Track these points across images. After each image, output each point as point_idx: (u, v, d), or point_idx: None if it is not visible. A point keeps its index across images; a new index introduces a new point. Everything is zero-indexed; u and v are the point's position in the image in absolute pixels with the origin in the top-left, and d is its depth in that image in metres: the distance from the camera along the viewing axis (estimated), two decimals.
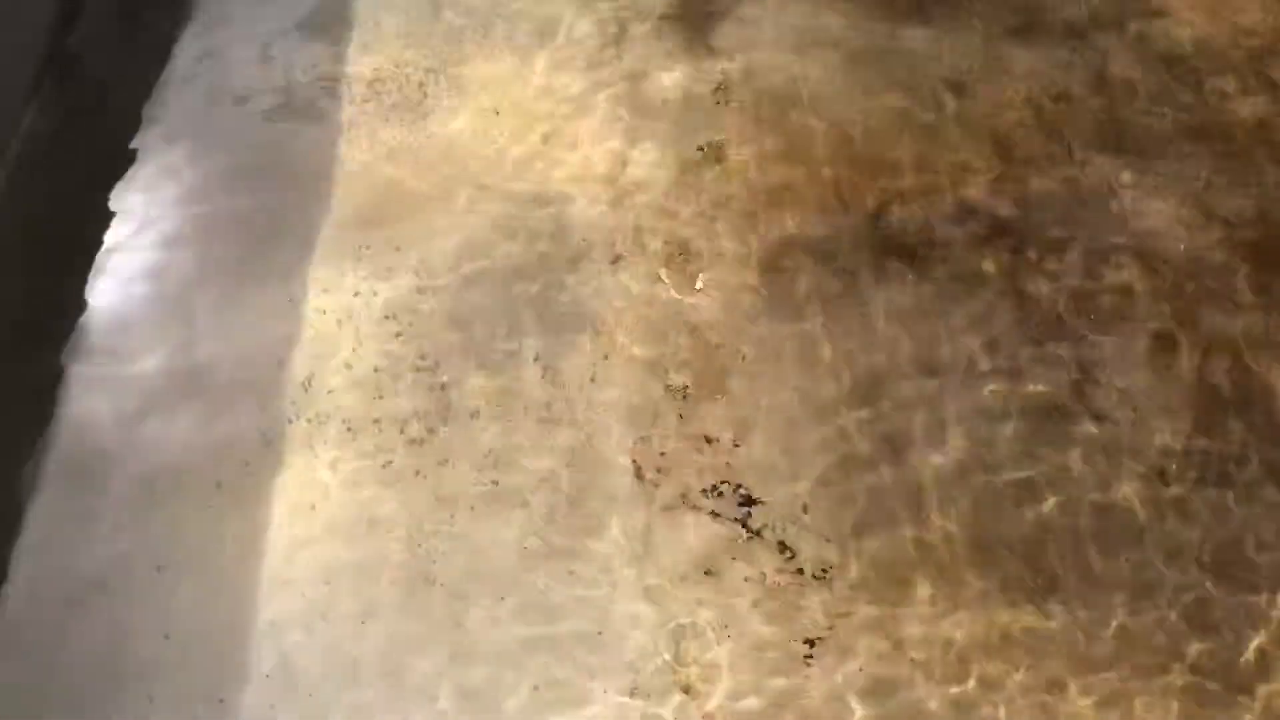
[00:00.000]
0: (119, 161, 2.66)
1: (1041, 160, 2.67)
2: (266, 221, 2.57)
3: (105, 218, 2.56)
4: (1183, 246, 2.52)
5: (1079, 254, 2.50)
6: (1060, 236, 2.53)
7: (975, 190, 2.62)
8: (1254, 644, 1.96)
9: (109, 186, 2.61)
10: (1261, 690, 1.91)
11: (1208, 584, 2.02)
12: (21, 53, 2.59)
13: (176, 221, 2.58)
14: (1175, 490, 2.14)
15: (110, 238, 2.54)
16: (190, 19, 2.99)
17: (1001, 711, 1.88)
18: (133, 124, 2.73)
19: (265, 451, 2.18)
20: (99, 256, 2.51)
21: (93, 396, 2.29)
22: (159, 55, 2.87)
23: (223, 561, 2.05)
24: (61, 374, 2.30)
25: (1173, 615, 1.98)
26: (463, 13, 3.00)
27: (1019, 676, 1.92)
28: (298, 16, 3.00)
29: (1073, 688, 1.91)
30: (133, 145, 2.70)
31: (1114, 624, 1.98)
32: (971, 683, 1.91)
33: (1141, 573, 2.03)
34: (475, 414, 2.23)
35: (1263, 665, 1.94)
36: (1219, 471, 2.17)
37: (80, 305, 2.42)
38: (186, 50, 2.92)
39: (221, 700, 1.89)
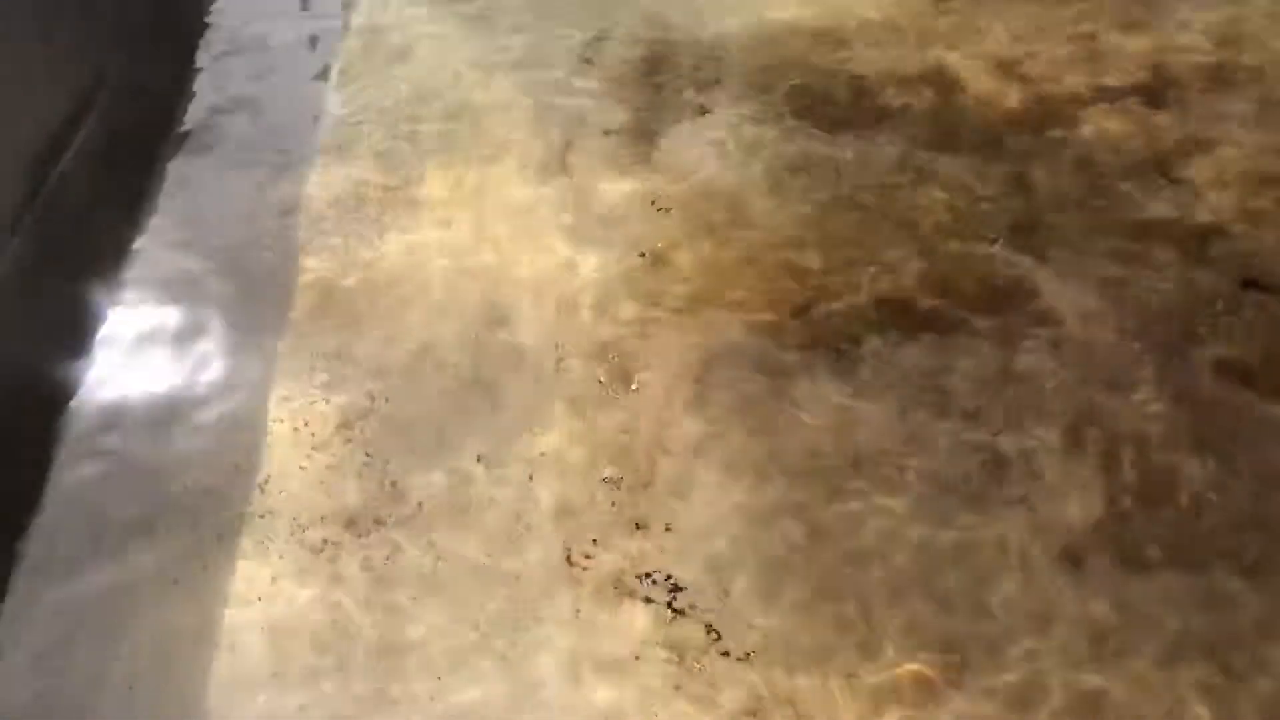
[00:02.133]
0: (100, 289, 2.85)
1: (960, 257, 2.85)
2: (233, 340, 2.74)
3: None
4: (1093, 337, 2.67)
5: (995, 345, 2.65)
6: (978, 328, 2.69)
7: (898, 287, 2.78)
8: None
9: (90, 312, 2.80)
10: None
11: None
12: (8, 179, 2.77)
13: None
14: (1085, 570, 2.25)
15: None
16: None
17: None
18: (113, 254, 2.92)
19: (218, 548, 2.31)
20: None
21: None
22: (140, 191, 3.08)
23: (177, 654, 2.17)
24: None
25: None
26: (420, 134, 3.22)
27: None
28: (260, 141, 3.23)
29: None
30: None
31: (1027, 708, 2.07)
32: None
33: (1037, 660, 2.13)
34: (419, 508, 2.36)
35: None
36: (1123, 554, 2.27)
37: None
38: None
39: None
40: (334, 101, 3.39)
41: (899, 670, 2.10)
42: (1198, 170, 3.09)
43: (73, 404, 2.60)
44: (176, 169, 3.19)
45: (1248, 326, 2.70)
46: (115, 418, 2.58)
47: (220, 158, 3.21)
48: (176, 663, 2.15)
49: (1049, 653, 2.12)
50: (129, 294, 2.85)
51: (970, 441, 2.46)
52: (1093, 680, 2.08)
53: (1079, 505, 2.35)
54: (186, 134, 3.29)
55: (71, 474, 2.47)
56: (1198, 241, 2.90)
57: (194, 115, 3.37)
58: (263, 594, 2.25)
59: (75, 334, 2.70)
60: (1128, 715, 2.04)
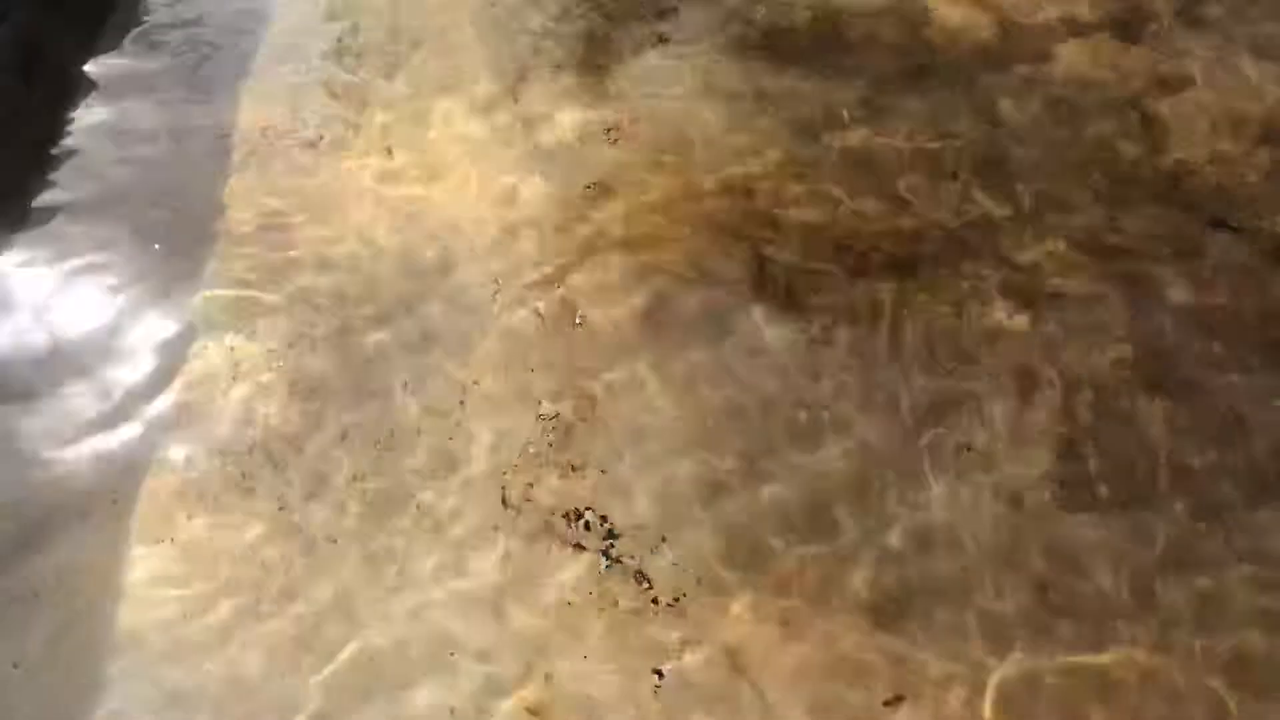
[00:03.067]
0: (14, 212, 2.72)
1: (922, 194, 2.74)
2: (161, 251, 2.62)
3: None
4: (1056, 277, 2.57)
5: (954, 285, 2.55)
6: (937, 268, 2.59)
7: (854, 226, 2.67)
8: None
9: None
10: None
11: None
12: None
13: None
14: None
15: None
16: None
17: None
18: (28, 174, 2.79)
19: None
20: None
21: None
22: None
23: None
24: None
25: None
26: (367, 59, 3.08)
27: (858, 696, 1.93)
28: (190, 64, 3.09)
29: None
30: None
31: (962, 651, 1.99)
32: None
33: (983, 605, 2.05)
34: (344, 436, 2.26)
35: None
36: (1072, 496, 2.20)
37: None
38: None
39: None
40: (276, 19, 3.24)
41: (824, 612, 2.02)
42: (1168, 108, 2.98)
43: None
44: (108, 83, 3.04)
45: (1213, 267, 2.60)
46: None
47: (154, 74, 3.06)
48: (87, 592, 2.05)
49: (991, 596, 2.05)
50: (58, 211, 2.72)
51: (921, 383, 2.36)
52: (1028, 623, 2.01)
53: (1029, 448, 2.26)
54: (119, 47, 3.14)
55: None
56: (1167, 181, 2.81)
57: (129, 28, 3.21)
58: (178, 525, 2.15)
59: None
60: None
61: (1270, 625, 1.99)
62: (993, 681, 1.95)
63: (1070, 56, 3.12)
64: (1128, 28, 3.23)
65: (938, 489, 2.20)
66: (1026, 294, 2.54)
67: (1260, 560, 2.08)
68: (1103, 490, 2.21)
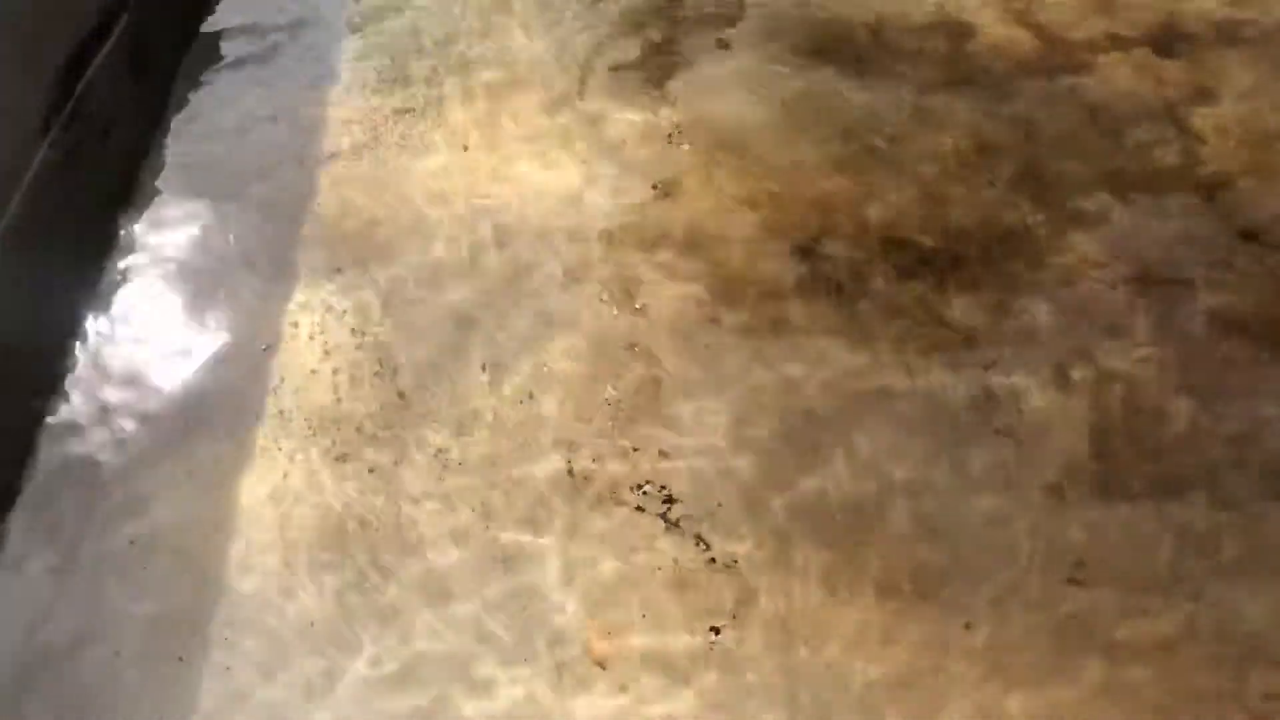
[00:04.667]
0: (124, 196, 2.93)
1: (965, 201, 2.90)
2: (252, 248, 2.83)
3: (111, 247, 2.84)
4: (1090, 282, 2.73)
5: (993, 287, 2.72)
6: (978, 270, 2.75)
7: (902, 228, 2.84)
8: None
9: (114, 219, 2.88)
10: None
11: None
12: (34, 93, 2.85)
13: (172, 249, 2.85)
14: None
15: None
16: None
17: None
18: (135, 162, 3.00)
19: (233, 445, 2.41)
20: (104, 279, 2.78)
21: (82, 402, 2.53)
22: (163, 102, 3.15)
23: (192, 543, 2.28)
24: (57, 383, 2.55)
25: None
26: (439, 61, 3.28)
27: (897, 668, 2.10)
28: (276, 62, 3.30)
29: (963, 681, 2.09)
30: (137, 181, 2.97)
31: (987, 629, 2.16)
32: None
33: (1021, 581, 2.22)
34: (425, 416, 2.46)
35: None
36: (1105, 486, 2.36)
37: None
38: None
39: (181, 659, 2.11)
40: (357, 26, 3.44)
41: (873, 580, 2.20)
42: (1204, 121, 3.12)
43: (93, 307, 2.70)
44: (203, 83, 3.26)
45: (1242, 278, 2.75)
46: (135, 319, 2.68)
47: (244, 75, 3.27)
48: (191, 550, 2.26)
49: (1026, 573, 2.21)
50: (153, 203, 2.93)
51: (962, 375, 2.53)
52: (1065, 602, 2.18)
53: (1064, 440, 2.42)
54: (213, 50, 3.36)
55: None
56: (1201, 192, 2.95)
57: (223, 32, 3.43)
58: (274, 493, 2.35)
59: (99, 241, 2.78)
60: (1101, 633, 2.13)
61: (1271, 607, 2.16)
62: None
63: (1109, 70, 3.27)
64: (1167, 43, 3.38)
65: (981, 474, 2.37)
66: (1061, 295, 2.70)
67: (1267, 553, 2.24)
68: (1132, 481, 2.37)
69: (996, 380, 2.53)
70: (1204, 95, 3.19)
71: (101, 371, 2.59)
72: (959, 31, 3.37)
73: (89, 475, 2.39)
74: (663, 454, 2.41)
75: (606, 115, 3.11)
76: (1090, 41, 3.35)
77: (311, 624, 2.15)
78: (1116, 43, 3.36)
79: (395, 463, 2.40)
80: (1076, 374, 2.54)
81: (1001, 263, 2.77)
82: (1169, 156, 3.02)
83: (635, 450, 2.41)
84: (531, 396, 2.50)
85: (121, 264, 2.81)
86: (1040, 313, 2.67)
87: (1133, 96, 3.18)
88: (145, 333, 2.67)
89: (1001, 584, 2.20)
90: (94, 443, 2.45)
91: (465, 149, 3.05)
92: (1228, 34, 3.41)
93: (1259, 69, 3.29)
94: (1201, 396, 2.51)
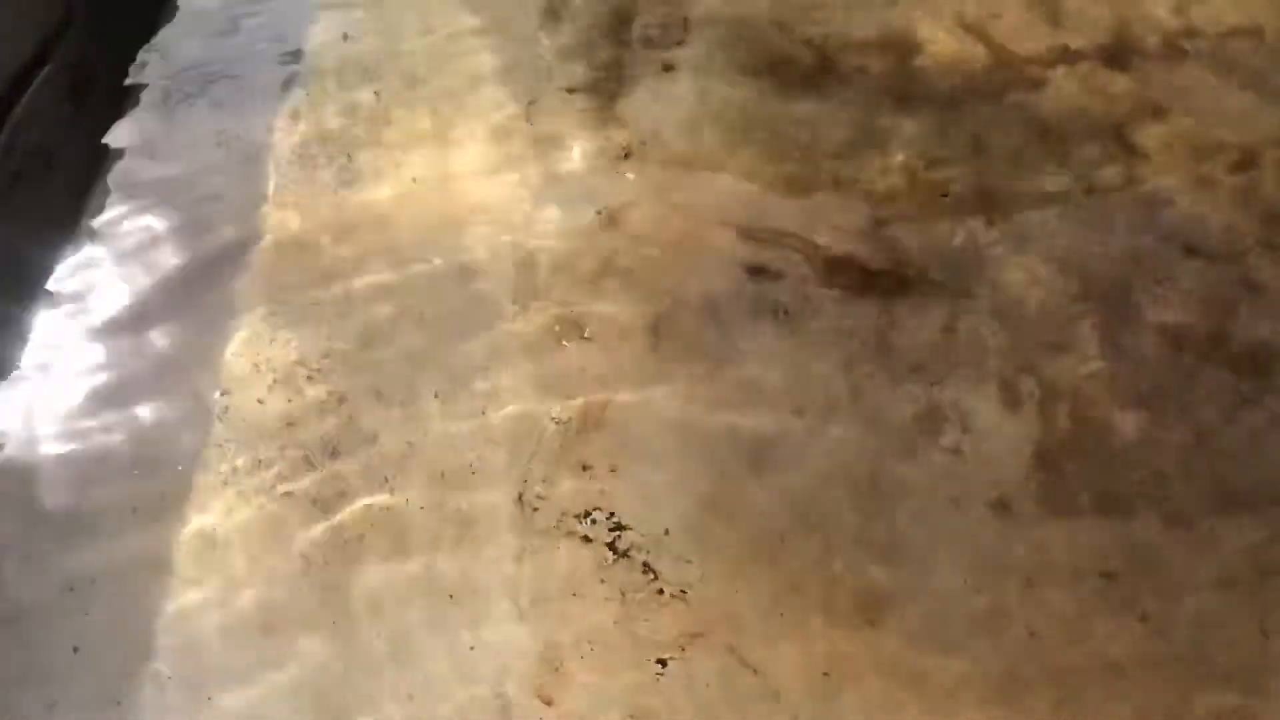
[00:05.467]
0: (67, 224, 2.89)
1: (913, 218, 2.91)
2: (195, 277, 2.80)
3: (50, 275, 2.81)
4: (1037, 298, 2.74)
5: (941, 304, 2.72)
6: (926, 288, 2.75)
7: (850, 248, 2.84)
8: None
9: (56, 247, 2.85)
10: None
11: None
12: None
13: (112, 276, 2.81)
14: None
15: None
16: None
17: None
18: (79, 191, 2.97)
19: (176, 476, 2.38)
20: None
21: (22, 425, 2.49)
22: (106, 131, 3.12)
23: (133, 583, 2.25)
24: None
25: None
26: (384, 86, 3.26)
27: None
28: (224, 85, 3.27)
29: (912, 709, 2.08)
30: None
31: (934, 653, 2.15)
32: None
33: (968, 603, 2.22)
34: (374, 440, 2.43)
35: None
36: (1054, 503, 2.36)
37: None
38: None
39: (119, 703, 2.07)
40: (305, 52, 3.42)
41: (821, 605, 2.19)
42: (1151, 137, 3.14)
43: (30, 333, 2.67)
44: (147, 109, 3.23)
45: (1187, 292, 2.76)
46: (75, 349, 2.65)
47: (185, 101, 3.24)
48: (132, 583, 2.23)
49: (974, 593, 2.21)
50: (96, 230, 2.90)
51: (909, 394, 2.53)
52: (1014, 623, 2.18)
53: (1012, 457, 2.43)
54: (157, 76, 3.33)
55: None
56: (1147, 208, 2.97)
57: (159, 60, 3.40)
58: (218, 525, 2.32)
59: (39, 269, 2.75)
60: (1049, 653, 2.13)
61: (1226, 621, 2.16)
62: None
63: (1059, 84, 3.28)
64: (1115, 56, 3.40)
65: (927, 493, 2.37)
66: (1008, 312, 2.71)
67: (1221, 564, 2.25)
68: (1080, 497, 2.37)
69: (944, 398, 2.54)
70: (1151, 110, 3.21)
71: (39, 404, 2.55)
72: (906, 48, 3.37)
73: (25, 513, 2.35)
74: (611, 478, 2.39)
75: (555, 140, 3.10)
76: (1039, 56, 3.36)
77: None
78: (1065, 56, 3.38)
79: (341, 494, 2.38)
80: (1023, 391, 2.55)
81: (949, 281, 2.78)
82: (1115, 172, 3.03)
83: (584, 477, 2.40)
84: (480, 424, 2.48)
85: (60, 293, 2.77)
86: (988, 330, 2.67)
87: (1081, 112, 3.19)
88: (85, 363, 2.63)
89: (948, 606, 2.20)
90: (29, 480, 2.41)
91: (414, 180, 3.03)
92: (1176, 47, 3.43)
93: (1206, 83, 3.31)
94: (1148, 411, 2.52)
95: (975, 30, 3.43)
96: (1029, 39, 3.41)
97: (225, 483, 2.39)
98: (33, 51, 2.80)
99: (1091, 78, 3.30)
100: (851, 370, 2.59)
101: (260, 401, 2.52)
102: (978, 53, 3.36)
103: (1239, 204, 2.97)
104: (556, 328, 2.68)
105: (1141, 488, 2.38)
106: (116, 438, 2.49)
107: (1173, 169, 3.05)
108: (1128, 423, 2.49)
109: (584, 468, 2.40)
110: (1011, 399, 2.53)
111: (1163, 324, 2.69)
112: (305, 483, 2.38)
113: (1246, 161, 3.08)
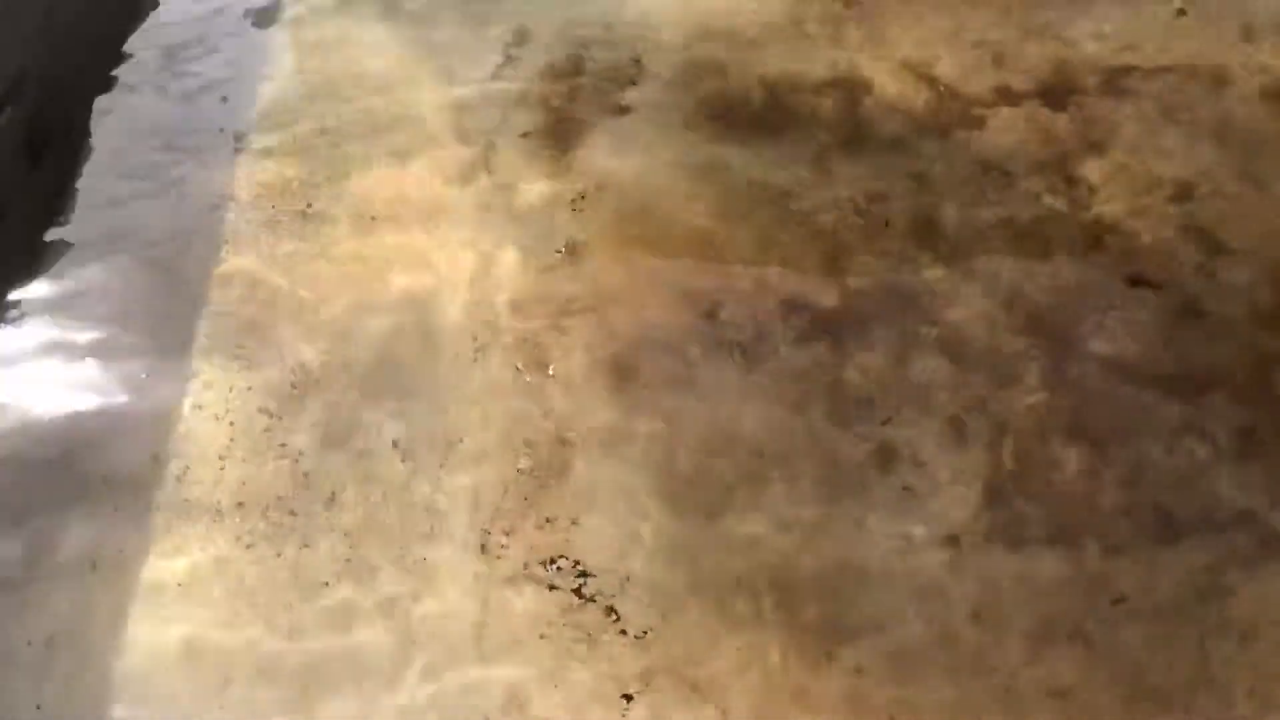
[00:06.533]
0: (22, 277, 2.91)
1: (861, 256, 2.98)
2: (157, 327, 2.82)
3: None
4: (984, 332, 2.82)
5: (891, 341, 2.79)
6: (876, 325, 2.83)
7: (801, 287, 2.91)
8: None
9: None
10: None
11: None
12: None
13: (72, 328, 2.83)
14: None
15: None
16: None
17: None
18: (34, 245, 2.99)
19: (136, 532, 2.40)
20: None
21: None
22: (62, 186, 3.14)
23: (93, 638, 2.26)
24: None
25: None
26: (344, 133, 3.31)
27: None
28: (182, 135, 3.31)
29: None
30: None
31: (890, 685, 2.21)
32: None
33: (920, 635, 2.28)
34: (333, 497, 2.46)
35: None
36: (1003, 536, 2.43)
37: None
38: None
39: None
40: (258, 97, 3.45)
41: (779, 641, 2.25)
42: (1092, 171, 3.24)
43: None
44: (104, 155, 3.25)
45: (1129, 323, 2.85)
46: (32, 405, 2.66)
47: (144, 153, 3.27)
48: (92, 644, 2.24)
49: (926, 625, 2.27)
50: (47, 282, 2.92)
51: (861, 433, 2.60)
52: (965, 654, 2.24)
53: (961, 492, 2.50)
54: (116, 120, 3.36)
55: None
56: (1089, 240, 3.06)
57: (116, 111, 3.42)
58: (179, 581, 2.34)
59: None
60: (1000, 681, 2.19)
61: (1168, 645, 2.24)
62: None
63: (1001, 123, 3.38)
64: (1056, 95, 3.50)
65: (881, 529, 2.43)
66: (957, 345, 2.79)
67: (1163, 590, 2.33)
68: (1028, 530, 2.45)
69: (896, 435, 2.60)
70: (1091, 146, 3.31)
71: None
72: (854, 89, 3.46)
73: None
74: (574, 525, 2.44)
75: (513, 184, 3.15)
76: (982, 96, 3.46)
77: None
78: (1008, 96, 3.47)
79: (304, 545, 2.40)
80: (972, 426, 2.62)
81: (899, 318, 2.85)
82: (1058, 207, 3.13)
83: (548, 522, 2.44)
84: (442, 472, 2.51)
85: (15, 344, 2.78)
86: (936, 365, 2.75)
87: (1023, 150, 3.29)
88: (39, 416, 2.64)
89: (903, 639, 2.26)
90: None
91: (372, 218, 3.07)
92: (1114, 83, 3.54)
93: (1144, 117, 3.42)
94: (1092, 442, 2.60)
95: (919, 72, 3.53)
96: (971, 80, 3.51)
97: (184, 535, 2.40)
98: None
99: (1032, 116, 3.40)
100: (806, 410, 2.65)
101: (220, 457, 2.54)
102: (922, 93, 3.45)
103: (1178, 234, 3.07)
104: (517, 370, 2.72)
105: (1086, 518, 2.46)
106: (72, 490, 2.50)
107: (1113, 202, 3.14)
108: (1072, 455, 2.57)
109: (547, 516, 2.44)
110: (960, 435, 2.60)
111: (1106, 354, 2.78)
112: (265, 534, 2.40)
113: (1183, 194, 3.18)
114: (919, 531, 2.44)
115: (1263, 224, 3.08)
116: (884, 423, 2.62)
